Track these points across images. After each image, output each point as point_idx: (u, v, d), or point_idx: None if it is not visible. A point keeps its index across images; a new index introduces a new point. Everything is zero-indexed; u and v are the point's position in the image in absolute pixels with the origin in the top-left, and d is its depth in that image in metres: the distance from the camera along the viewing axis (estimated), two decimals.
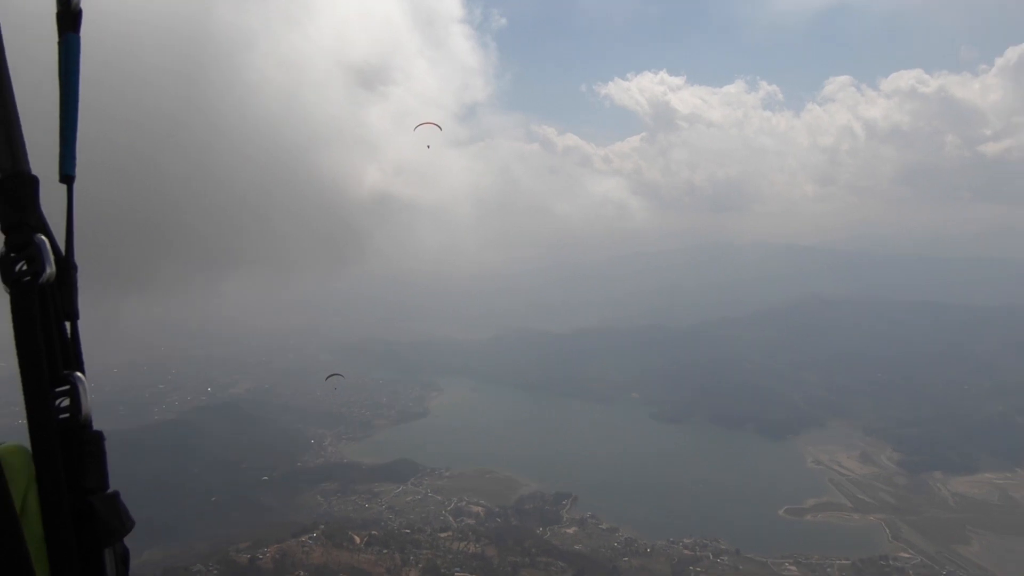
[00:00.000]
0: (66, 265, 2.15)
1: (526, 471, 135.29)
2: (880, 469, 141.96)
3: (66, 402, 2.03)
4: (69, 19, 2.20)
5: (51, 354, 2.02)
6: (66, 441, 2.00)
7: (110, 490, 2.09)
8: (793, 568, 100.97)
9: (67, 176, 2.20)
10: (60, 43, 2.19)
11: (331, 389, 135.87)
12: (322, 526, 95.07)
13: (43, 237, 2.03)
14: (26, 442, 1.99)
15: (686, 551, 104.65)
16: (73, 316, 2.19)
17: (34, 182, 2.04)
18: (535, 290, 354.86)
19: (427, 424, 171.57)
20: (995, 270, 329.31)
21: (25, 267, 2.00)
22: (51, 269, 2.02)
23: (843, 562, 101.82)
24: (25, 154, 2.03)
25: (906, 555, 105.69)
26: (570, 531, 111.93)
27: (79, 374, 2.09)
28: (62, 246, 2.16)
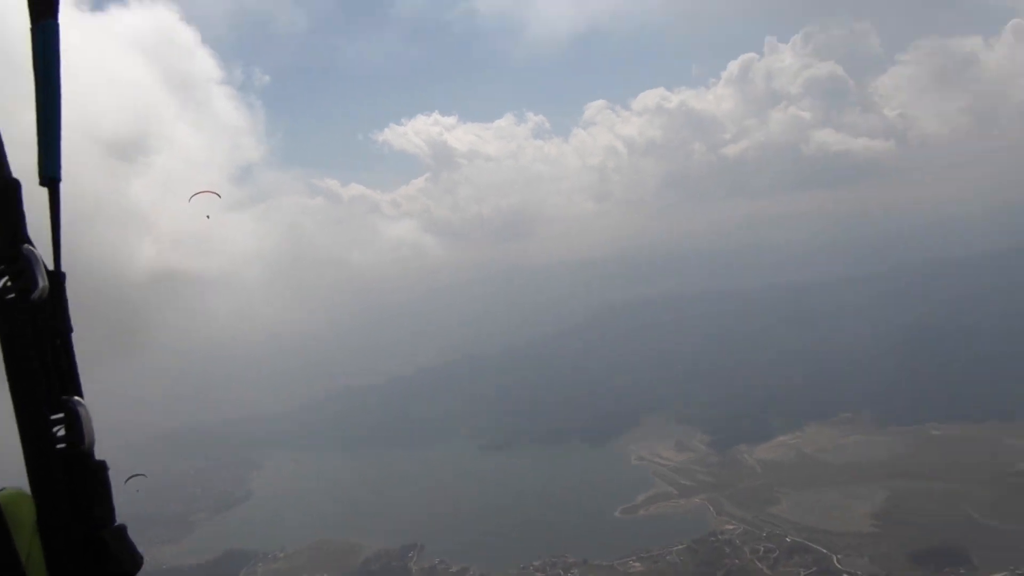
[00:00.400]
0: (55, 276, 1.97)
1: (365, 532, 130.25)
2: (694, 453, 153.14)
3: (64, 431, 1.87)
4: (44, 4, 1.96)
5: (47, 379, 1.85)
6: (69, 472, 1.86)
7: (117, 523, 1.97)
8: (637, 564, 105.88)
9: (50, 179, 2.01)
10: (34, 31, 1.96)
11: (134, 492, 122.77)
12: None
13: (32, 248, 1.86)
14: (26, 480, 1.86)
15: (538, 573, 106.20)
16: (66, 331, 2.00)
17: (16, 187, 1.87)
18: (340, 342, 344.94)
19: (251, 506, 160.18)
20: (754, 256, 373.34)
21: (10, 283, 1.82)
22: (44, 283, 1.84)
23: (679, 547, 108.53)
24: (4, 158, 1.87)
25: (731, 527, 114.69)
26: None
27: (78, 398, 1.92)
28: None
